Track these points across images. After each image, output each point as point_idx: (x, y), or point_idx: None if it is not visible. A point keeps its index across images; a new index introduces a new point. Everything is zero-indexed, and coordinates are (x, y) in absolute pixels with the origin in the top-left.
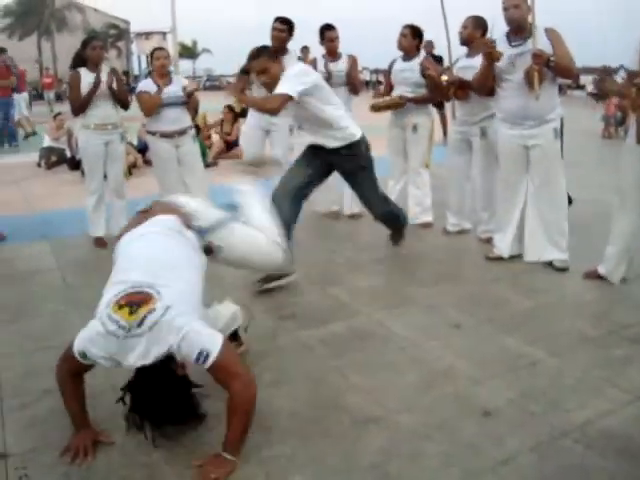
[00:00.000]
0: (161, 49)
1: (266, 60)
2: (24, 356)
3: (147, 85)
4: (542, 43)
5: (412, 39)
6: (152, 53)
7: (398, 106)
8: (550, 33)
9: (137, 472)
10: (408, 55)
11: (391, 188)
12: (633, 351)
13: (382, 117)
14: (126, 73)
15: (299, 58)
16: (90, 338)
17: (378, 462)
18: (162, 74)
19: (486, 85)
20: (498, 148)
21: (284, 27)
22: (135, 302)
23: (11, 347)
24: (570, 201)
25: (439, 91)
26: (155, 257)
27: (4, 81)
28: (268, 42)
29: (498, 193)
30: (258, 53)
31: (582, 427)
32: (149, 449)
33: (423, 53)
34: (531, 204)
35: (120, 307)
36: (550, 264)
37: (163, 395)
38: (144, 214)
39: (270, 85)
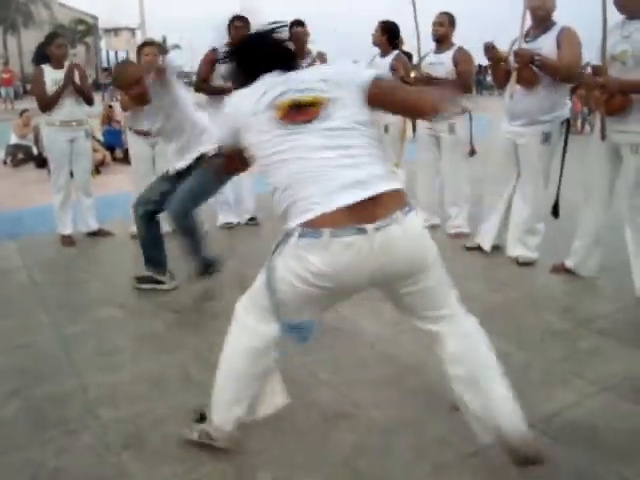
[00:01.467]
0: (151, 44)
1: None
2: None
3: None
4: (549, 42)
5: (381, 35)
6: (140, 48)
7: None
8: (563, 33)
9: (107, 472)
10: (383, 52)
11: None
12: (600, 343)
13: None
14: (106, 70)
15: None
16: None
17: (348, 458)
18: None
19: (503, 82)
20: (494, 142)
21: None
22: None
23: None
24: (556, 213)
25: None
26: None
27: None
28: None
29: (485, 185)
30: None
31: (549, 419)
32: (118, 449)
33: (396, 51)
34: (515, 202)
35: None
36: (516, 259)
37: None
38: None
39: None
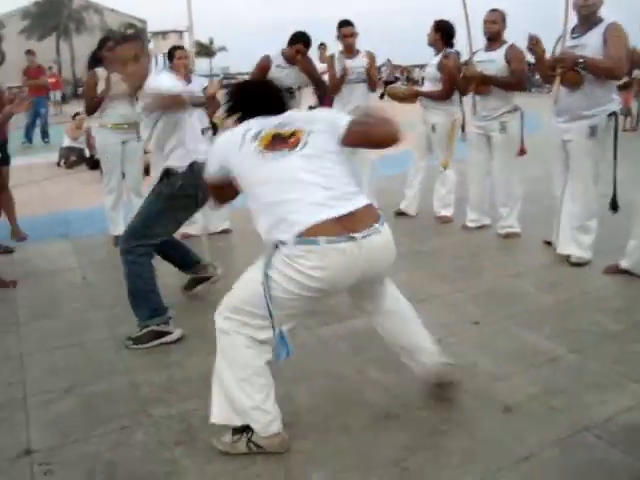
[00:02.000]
0: (181, 48)
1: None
2: (47, 354)
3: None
4: (595, 39)
5: (434, 33)
6: (171, 51)
7: (408, 101)
8: (609, 29)
9: (160, 467)
10: (436, 51)
11: (409, 181)
12: None
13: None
14: None
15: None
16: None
17: (398, 458)
18: (183, 74)
19: (544, 76)
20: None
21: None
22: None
23: (34, 345)
24: (615, 207)
25: (450, 87)
26: None
27: (35, 80)
28: (283, 40)
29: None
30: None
31: (604, 423)
32: (171, 445)
33: (448, 49)
34: (566, 199)
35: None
36: (568, 258)
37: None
38: None
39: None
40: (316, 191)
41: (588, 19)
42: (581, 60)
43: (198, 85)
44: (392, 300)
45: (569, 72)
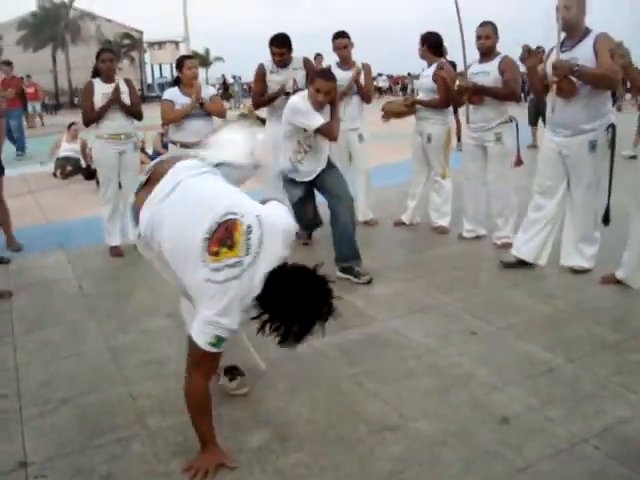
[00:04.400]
0: (191, 57)
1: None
2: (43, 365)
3: (173, 94)
4: (586, 51)
5: (421, 47)
6: (181, 61)
7: (406, 113)
8: (599, 40)
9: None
10: (429, 62)
11: (411, 192)
12: None
13: (400, 125)
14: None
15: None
16: (217, 313)
17: (396, 470)
18: (191, 84)
19: (536, 87)
20: (540, 151)
21: (284, 50)
22: (224, 237)
23: (30, 356)
24: (607, 220)
25: (447, 95)
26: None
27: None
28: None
29: (534, 195)
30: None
31: (602, 434)
32: (168, 458)
33: (442, 60)
34: (568, 211)
35: (216, 254)
36: (571, 270)
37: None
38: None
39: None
40: None
41: (574, 31)
42: (576, 68)
43: (205, 94)
44: None
45: (564, 80)
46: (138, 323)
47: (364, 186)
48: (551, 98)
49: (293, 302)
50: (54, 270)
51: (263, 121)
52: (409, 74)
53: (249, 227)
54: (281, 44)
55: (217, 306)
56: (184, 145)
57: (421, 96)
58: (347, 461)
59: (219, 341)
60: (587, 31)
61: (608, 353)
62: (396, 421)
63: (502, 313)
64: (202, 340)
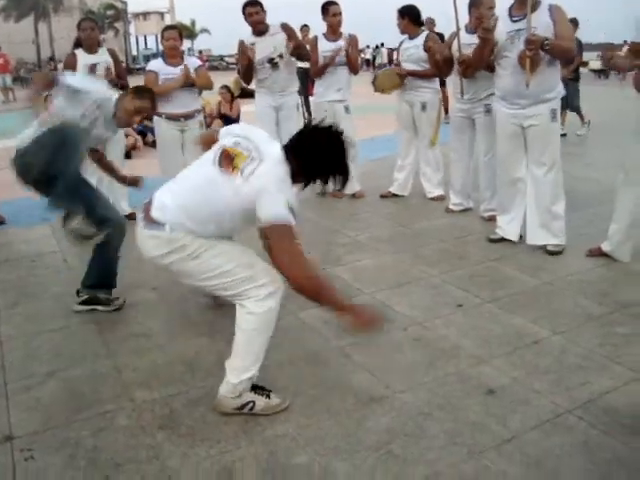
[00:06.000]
0: (172, 28)
1: None
2: (27, 339)
3: (157, 65)
4: (542, 21)
5: (402, 21)
6: (162, 33)
7: (399, 86)
8: (554, 11)
9: (142, 453)
10: (411, 35)
11: (399, 164)
12: (637, 328)
13: (385, 98)
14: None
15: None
16: (275, 190)
17: (382, 441)
18: (173, 55)
19: (482, 60)
20: (496, 127)
21: (257, 8)
22: (228, 157)
23: (14, 330)
24: None
25: (439, 65)
26: None
27: None
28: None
29: (497, 174)
30: None
31: (586, 404)
32: (154, 431)
33: (426, 31)
34: (528, 186)
35: (233, 167)
36: (544, 248)
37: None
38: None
39: None
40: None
41: (523, 2)
42: (547, 42)
43: (190, 64)
44: None
45: (536, 55)
46: (123, 296)
47: (351, 158)
48: (528, 71)
49: (326, 151)
50: (39, 244)
51: (252, 94)
52: (382, 44)
53: (235, 143)
54: (254, 3)
55: (270, 189)
56: (169, 117)
57: (409, 67)
58: (334, 433)
59: (290, 208)
60: (538, 1)
61: (594, 325)
62: (383, 393)
63: (488, 286)
64: (278, 209)
